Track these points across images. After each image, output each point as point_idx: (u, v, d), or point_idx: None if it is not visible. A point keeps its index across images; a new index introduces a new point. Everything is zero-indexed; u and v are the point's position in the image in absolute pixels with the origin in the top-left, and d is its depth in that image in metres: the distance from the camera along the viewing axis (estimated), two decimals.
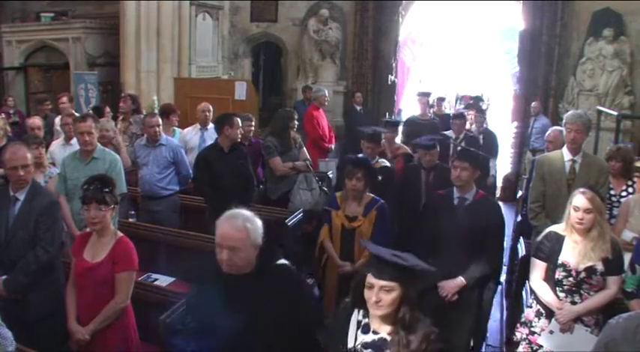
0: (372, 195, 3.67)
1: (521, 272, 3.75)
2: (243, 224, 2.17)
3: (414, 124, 6.90)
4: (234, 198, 4.41)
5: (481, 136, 6.57)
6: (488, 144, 6.46)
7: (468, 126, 7.34)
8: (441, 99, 9.60)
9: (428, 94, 7.79)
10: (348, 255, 3.60)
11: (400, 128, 6.42)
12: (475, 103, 11.36)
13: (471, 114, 8.65)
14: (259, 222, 2.24)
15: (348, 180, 3.57)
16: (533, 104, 7.75)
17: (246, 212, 2.24)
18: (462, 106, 11.91)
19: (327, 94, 7.23)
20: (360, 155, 4.63)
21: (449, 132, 6.10)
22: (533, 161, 4.44)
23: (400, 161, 5.19)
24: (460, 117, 6.44)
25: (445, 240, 3.32)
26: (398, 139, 5.98)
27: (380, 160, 4.63)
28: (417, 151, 4.89)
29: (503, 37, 10.72)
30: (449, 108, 13.08)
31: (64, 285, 3.04)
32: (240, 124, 4.68)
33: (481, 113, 6.85)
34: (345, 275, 3.47)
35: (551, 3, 7.73)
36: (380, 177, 4.00)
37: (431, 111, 7.10)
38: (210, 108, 5.92)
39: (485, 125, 7.09)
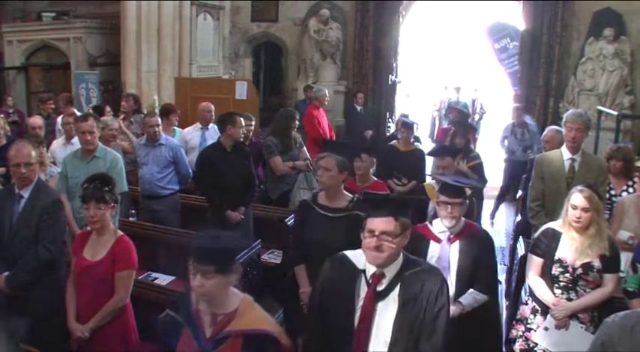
0: None
1: (520, 271, 3.75)
2: None
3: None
4: (235, 197, 4.49)
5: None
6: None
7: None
8: (407, 125, 5.34)
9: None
10: None
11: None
12: (451, 148, 4.83)
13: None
14: None
15: None
16: (513, 106, 7.80)
17: None
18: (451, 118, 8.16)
19: (327, 94, 7.24)
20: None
21: None
22: (532, 160, 4.44)
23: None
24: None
25: None
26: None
27: None
28: None
29: (496, 35, 10.61)
30: (437, 121, 10.84)
31: (65, 284, 3.05)
32: (243, 124, 4.70)
33: (460, 198, 2.90)
34: None
35: (551, 3, 7.74)
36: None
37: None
38: (213, 107, 5.94)
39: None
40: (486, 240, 2.96)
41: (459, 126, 5.88)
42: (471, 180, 3.25)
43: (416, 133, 5.91)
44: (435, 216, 3.07)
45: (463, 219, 2.94)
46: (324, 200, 3.07)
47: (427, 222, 3.03)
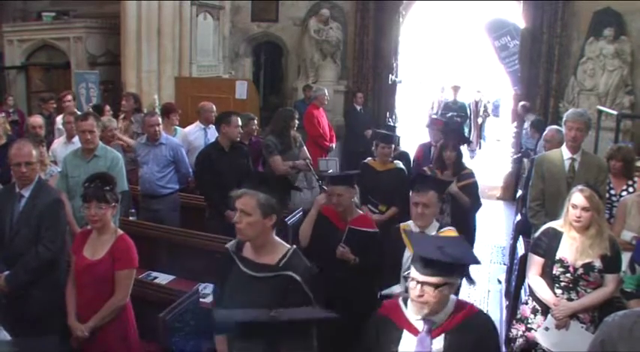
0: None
1: (520, 271, 3.76)
2: None
3: None
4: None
5: None
6: None
7: None
8: (386, 139, 4.54)
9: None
10: None
11: None
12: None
13: None
14: None
15: None
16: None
17: None
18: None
19: (327, 94, 7.25)
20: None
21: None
22: (532, 160, 4.44)
23: None
24: None
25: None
26: None
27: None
28: None
29: (496, 32, 10.58)
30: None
31: (65, 283, 3.05)
32: (240, 123, 4.70)
33: (441, 276, 1.97)
34: None
35: (551, 2, 7.72)
36: None
37: None
38: (214, 107, 5.93)
39: None
40: (488, 330, 2.02)
41: (450, 136, 4.71)
42: (466, 254, 2.12)
43: (402, 147, 5.18)
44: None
45: (453, 297, 2.02)
46: (249, 252, 2.28)
47: (399, 300, 2.08)
